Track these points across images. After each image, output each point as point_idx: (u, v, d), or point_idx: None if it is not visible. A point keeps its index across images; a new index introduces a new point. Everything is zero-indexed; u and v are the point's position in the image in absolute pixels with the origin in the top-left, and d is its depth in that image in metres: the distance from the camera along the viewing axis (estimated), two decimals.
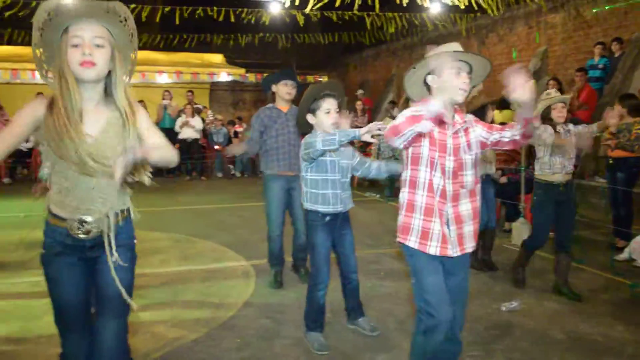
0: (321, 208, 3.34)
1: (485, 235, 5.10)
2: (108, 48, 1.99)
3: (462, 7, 11.47)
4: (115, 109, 2.07)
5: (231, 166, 12.97)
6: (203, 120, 13.31)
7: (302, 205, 3.48)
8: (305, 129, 3.48)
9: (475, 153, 2.49)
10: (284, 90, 4.58)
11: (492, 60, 10.68)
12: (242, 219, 7.49)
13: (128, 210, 2.20)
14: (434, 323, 2.39)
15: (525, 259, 4.66)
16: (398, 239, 2.53)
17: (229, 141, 13.21)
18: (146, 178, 2.13)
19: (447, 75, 2.33)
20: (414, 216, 2.46)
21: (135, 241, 2.24)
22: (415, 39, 15.33)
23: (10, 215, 7.64)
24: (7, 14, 10.96)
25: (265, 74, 15.85)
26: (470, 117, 2.55)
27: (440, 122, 2.37)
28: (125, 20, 2.02)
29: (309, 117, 3.38)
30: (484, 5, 11.26)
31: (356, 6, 8.77)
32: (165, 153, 2.10)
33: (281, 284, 4.59)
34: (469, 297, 2.70)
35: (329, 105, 3.29)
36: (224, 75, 15.98)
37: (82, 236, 2.06)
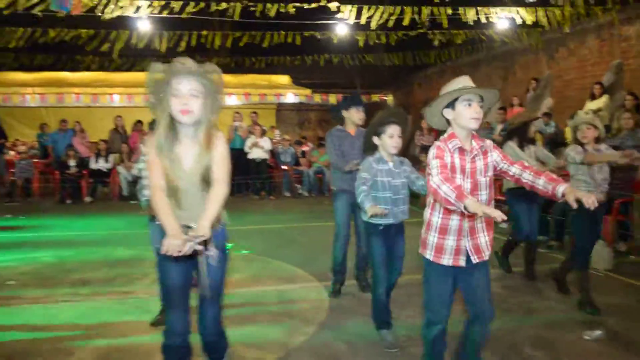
0: (374, 220, 3.71)
1: (527, 248, 5.45)
2: (201, 97, 2.53)
3: (530, 23, 11.28)
4: (196, 143, 2.59)
5: (298, 185, 13.13)
6: (271, 140, 13.58)
7: (361, 216, 3.96)
8: (370, 148, 3.84)
9: (490, 175, 2.81)
10: (357, 115, 4.88)
11: (562, 75, 10.34)
12: (311, 238, 7.56)
13: (220, 217, 2.67)
14: (431, 320, 2.96)
15: (585, 280, 4.54)
16: (419, 250, 2.98)
17: (296, 161, 13.41)
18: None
19: (459, 108, 2.73)
20: (430, 233, 2.88)
21: (227, 244, 2.76)
22: (480, 55, 15.11)
23: (93, 233, 8.02)
24: (88, 47, 11.66)
25: (330, 94, 16.30)
26: (488, 143, 2.86)
27: (460, 150, 2.73)
28: (214, 74, 2.57)
29: (375, 139, 3.79)
30: (553, 22, 11.01)
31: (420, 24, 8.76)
32: (216, 209, 2.52)
33: (338, 293, 4.94)
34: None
35: (393, 130, 3.73)
36: (291, 97, 16.29)
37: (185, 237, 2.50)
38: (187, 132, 2.56)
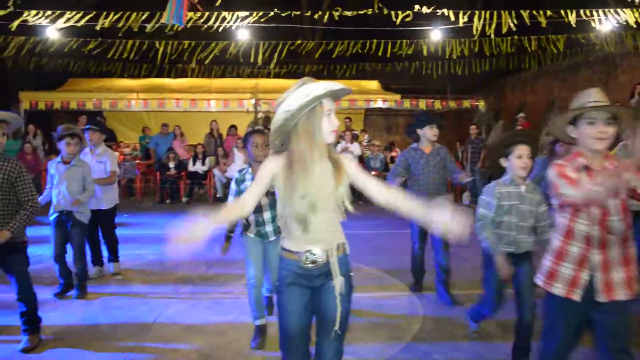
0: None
1: None
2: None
3: (633, 24, 10.63)
4: (329, 162, 2.48)
5: None
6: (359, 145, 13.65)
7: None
8: (497, 170, 3.68)
9: (623, 198, 2.51)
10: (431, 132, 5.01)
11: None
12: (401, 245, 7.50)
13: (344, 244, 2.54)
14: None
15: None
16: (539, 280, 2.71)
17: (385, 166, 13.38)
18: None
19: (581, 126, 2.53)
20: (547, 256, 2.67)
21: (352, 273, 2.55)
22: (578, 58, 14.39)
23: None
24: (197, 56, 12.28)
25: (420, 100, 16.14)
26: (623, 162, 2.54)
27: (587, 169, 2.49)
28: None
29: (502, 160, 3.61)
30: None
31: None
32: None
33: (420, 288, 5.31)
34: None
35: (521, 151, 3.51)
36: (380, 102, 16.28)
37: (310, 266, 2.42)
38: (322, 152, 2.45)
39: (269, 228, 4.01)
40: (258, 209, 3.94)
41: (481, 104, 18.73)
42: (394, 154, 14.24)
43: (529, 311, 3.55)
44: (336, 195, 2.43)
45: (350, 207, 2.46)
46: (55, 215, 5.10)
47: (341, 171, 2.45)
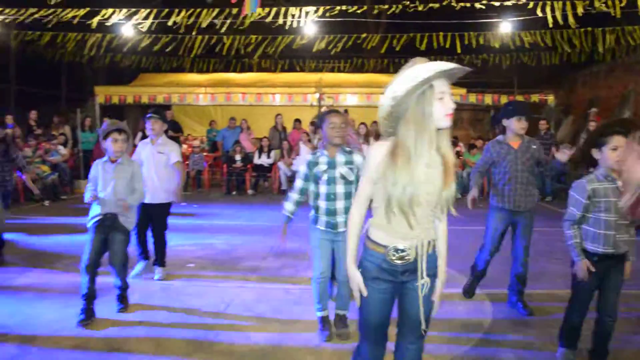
0: (590, 246, 3.36)
1: None
2: None
3: None
4: (438, 155, 2.34)
5: None
6: None
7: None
8: (588, 161, 3.46)
9: None
10: (519, 125, 4.49)
11: None
12: (466, 242, 7.42)
13: (434, 242, 2.43)
14: None
15: None
16: None
17: None
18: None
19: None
20: None
21: (437, 271, 2.46)
22: None
23: (257, 224, 8.62)
24: (264, 51, 12.51)
25: (486, 94, 15.78)
26: None
27: None
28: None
29: (594, 152, 3.39)
30: None
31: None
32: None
33: (472, 294, 4.96)
34: None
35: (617, 142, 3.25)
36: None
37: (397, 262, 2.34)
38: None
39: (340, 219, 3.87)
40: (332, 197, 3.85)
41: (550, 99, 18.12)
42: (457, 148, 14.03)
43: (611, 316, 3.40)
44: (441, 193, 2.32)
45: (454, 212, 2.38)
46: (97, 219, 4.38)
47: (450, 169, 2.32)
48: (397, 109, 2.26)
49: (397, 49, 13.13)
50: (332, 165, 3.86)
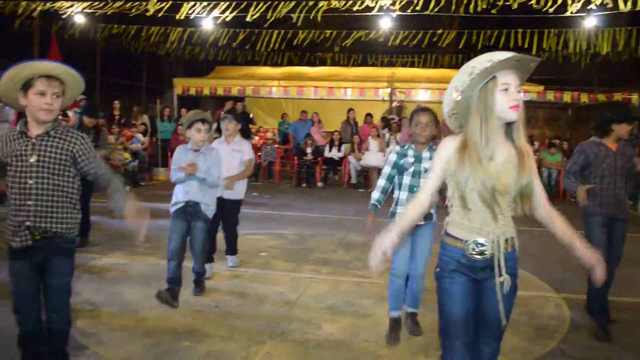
0: None
1: None
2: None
3: None
4: (512, 147, 2.28)
5: None
6: None
7: None
8: None
9: None
10: (626, 130, 4.27)
11: None
12: (542, 244, 7.17)
13: (514, 239, 2.36)
14: None
15: None
16: None
17: None
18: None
19: None
20: None
21: (517, 272, 2.39)
22: None
23: (327, 217, 8.68)
24: (338, 44, 12.54)
25: (565, 92, 15.13)
26: None
27: None
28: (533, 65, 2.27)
29: None
30: None
31: None
32: None
33: (605, 334, 4.07)
34: None
35: None
36: (520, 94, 15.51)
37: (476, 257, 2.29)
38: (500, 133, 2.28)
39: (399, 209, 3.86)
40: (414, 189, 3.80)
41: (634, 97, 17.15)
42: (534, 148, 13.57)
43: None
44: (517, 187, 2.25)
45: (526, 210, 2.31)
46: (180, 206, 4.55)
47: (525, 161, 2.25)
48: (460, 104, 2.24)
49: (478, 46, 12.82)
50: (418, 159, 3.85)
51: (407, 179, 3.88)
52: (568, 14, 9.83)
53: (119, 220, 7.54)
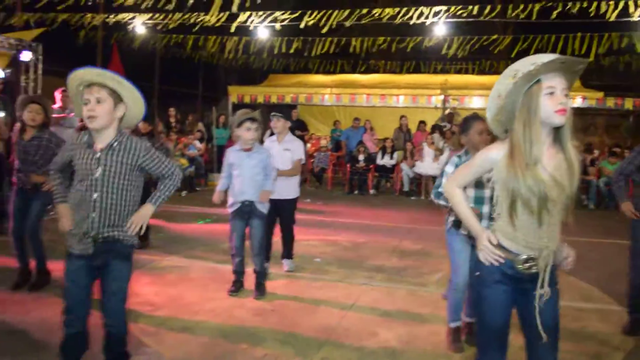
0: None
1: None
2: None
3: None
4: (561, 153, 2.22)
5: (584, 196, 12.10)
6: None
7: None
8: None
9: None
10: None
11: None
12: (603, 256, 6.94)
13: (557, 251, 2.30)
14: None
15: None
16: None
17: (584, 170, 12.38)
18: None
19: None
20: None
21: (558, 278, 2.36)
22: None
23: (380, 224, 8.64)
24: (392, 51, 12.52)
25: (627, 99, 14.54)
26: None
27: None
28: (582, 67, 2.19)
29: None
30: None
31: None
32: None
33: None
34: None
35: None
36: (579, 100, 15.00)
37: (524, 271, 2.25)
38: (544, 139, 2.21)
39: (484, 223, 3.62)
40: (480, 200, 3.68)
41: None
42: (593, 156, 13.11)
43: None
44: (566, 195, 2.19)
45: (571, 218, 2.24)
46: (237, 207, 4.76)
47: (574, 168, 2.19)
48: (504, 108, 2.20)
49: (530, 51, 12.55)
50: None
51: (470, 191, 3.70)
52: (635, 17, 9.48)
53: (178, 223, 7.84)
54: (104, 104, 2.67)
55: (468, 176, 2.40)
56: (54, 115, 7.81)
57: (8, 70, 10.00)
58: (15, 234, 4.78)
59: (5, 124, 6.53)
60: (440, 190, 3.90)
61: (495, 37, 13.00)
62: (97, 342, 2.91)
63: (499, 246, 2.29)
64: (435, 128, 12.99)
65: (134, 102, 2.79)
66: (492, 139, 2.53)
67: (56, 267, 4.84)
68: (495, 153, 2.26)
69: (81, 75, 2.71)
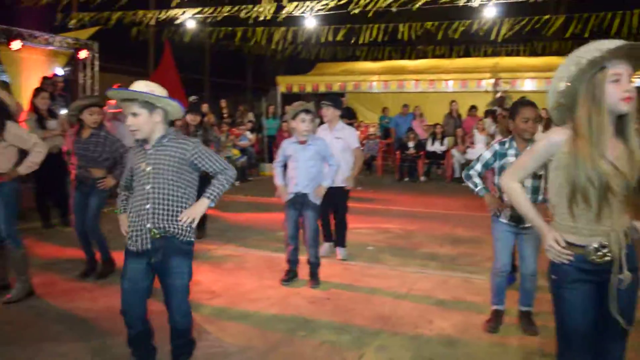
0: None
1: None
2: None
3: None
4: (622, 142, 2.16)
5: None
6: None
7: None
8: None
9: None
10: None
11: None
12: None
13: (629, 230, 2.21)
14: None
15: None
16: None
17: None
18: None
19: None
20: None
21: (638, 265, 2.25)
22: None
23: (432, 211, 8.58)
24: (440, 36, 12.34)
25: None
26: None
27: None
28: None
29: None
30: None
31: None
32: None
33: None
34: None
35: None
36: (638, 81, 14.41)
37: (598, 261, 2.16)
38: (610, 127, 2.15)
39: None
40: (535, 190, 3.66)
41: None
42: None
43: None
44: (629, 184, 2.12)
45: (631, 209, 2.17)
46: (290, 197, 4.81)
47: (636, 157, 2.11)
48: (566, 96, 2.13)
49: (586, 31, 12.08)
50: None
51: (528, 182, 3.66)
52: None
53: (232, 212, 8.01)
54: (139, 117, 2.86)
55: (529, 165, 2.32)
56: (111, 110, 8.13)
57: (67, 69, 10.41)
58: (77, 227, 5.04)
59: (68, 121, 6.81)
60: (470, 172, 3.91)
61: (547, 17, 12.57)
62: (165, 329, 3.06)
63: (566, 243, 2.21)
64: (489, 113, 12.72)
65: (167, 105, 2.94)
66: (547, 125, 2.45)
67: (119, 257, 5.10)
68: (558, 138, 2.19)
69: (113, 95, 2.98)
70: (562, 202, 2.19)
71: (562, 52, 15.94)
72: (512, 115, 3.79)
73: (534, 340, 3.77)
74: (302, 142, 4.78)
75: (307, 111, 4.71)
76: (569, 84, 2.14)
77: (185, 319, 3.02)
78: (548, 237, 2.21)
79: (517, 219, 3.75)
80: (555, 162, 2.20)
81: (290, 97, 15.97)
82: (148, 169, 2.90)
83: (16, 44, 9.19)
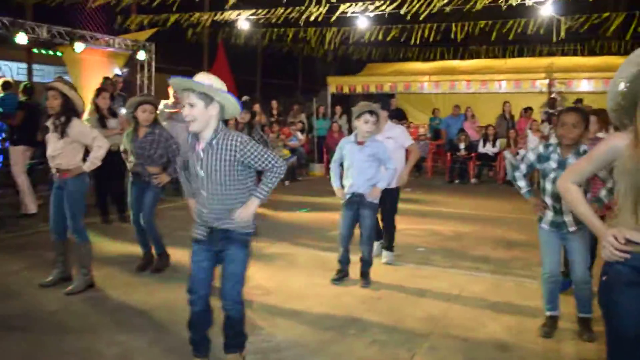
0: None
1: None
2: None
3: None
4: None
5: None
6: None
7: None
8: None
9: None
10: None
11: None
12: None
13: None
14: None
15: None
16: None
17: None
18: None
19: None
20: None
21: None
22: None
23: (483, 213, 8.46)
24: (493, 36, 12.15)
25: None
26: None
27: None
28: None
29: None
30: None
31: None
32: None
33: None
34: None
35: None
36: None
37: None
38: None
39: (567, 218, 3.63)
40: (557, 194, 3.50)
41: None
42: None
43: None
44: None
45: None
46: (347, 197, 4.85)
47: None
48: (626, 98, 2.05)
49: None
50: (562, 165, 3.59)
51: (549, 186, 3.69)
52: None
53: (282, 211, 8.13)
54: (195, 107, 2.91)
55: (588, 169, 2.28)
56: (167, 110, 8.37)
57: (126, 70, 10.80)
58: (135, 222, 5.22)
59: (127, 120, 7.06)
60: (516, 174, 3.89)
61: (606, 15, 12.15)
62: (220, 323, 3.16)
63: (627, 241, 2.11)
64: (546, 115, 12.40)
65: (225, 100, 2.99)
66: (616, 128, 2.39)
67: (174, 253, 5.26)
68: (620, 142, 2.13)
69: (172, 83, 3.06)
70: (627, 205, 2.13)
71: (622, 52, 15.43)
72: (558, 120, 3.74)
73: (590, 347, 3.69)
74: (360, 143, 4.77)
75: (371, 112, 4.70)
76: (628, 84, 2.07)
77: (236, 304, 3.14)
78: (607, 234, 2.13)
79: (556, 225, 3.71)
80: (619, 166, 2.14)
81: (340, 98, 16.03)
82: (201, 174, 3.02)
83: (79, 46, 9.59)
